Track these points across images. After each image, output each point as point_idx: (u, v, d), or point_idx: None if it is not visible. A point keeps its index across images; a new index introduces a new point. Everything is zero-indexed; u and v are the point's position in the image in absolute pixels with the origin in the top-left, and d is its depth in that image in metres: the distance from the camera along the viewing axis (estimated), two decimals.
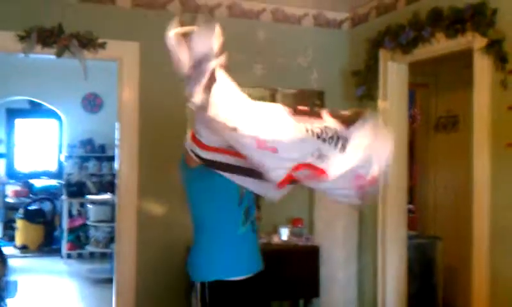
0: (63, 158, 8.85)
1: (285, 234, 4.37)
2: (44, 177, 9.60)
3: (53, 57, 3.97)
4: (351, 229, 4.46)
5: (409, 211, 5.01)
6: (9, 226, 8.84)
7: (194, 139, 2.08)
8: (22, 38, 3.85)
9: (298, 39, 4.66)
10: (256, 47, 4.52)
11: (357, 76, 4.43)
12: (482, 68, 3.31)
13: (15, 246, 8.43)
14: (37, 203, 8.76)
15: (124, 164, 4.22)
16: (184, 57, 1.81)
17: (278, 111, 1.93)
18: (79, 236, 8.03)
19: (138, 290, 4.18)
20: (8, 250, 7.70)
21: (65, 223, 7.96)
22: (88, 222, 7.78)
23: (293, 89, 4.70)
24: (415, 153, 5.63)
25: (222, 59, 1.82)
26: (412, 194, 5.48)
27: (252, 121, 1.84)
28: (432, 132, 5.60)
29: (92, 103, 8.88)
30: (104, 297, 5.47)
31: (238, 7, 4.45)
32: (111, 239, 6.87)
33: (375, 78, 4.27)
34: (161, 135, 4.16)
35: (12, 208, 8.90)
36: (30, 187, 9.13)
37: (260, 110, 1.90)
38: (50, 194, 8.96)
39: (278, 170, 1.93)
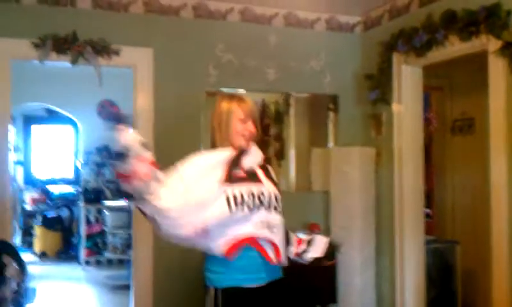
0: (79, 165, 8.91)
1: None
2: (61, 184, 9.68)
3: (68, 64, 4.01)
4: (368, 233, 4.43)
5: (427, 215, 4.96)
6: (28, 232, 8.92)
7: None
8: (37, 46, 3.89)
9: (311, 43, 4.66)
10: (268, 51, 4.52)
11: (370, 80, 4.41)
12: (497, 70, 3.28)
13: (33, 253, 8.52)
14: (55, 210, 8.84)
15: None
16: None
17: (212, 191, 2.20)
18: (97, 243, 8.07)
19: (155, 295, 4.19)
20: (26, 257, 7.77)
21: (83, 230, 8.02)
22: (106, 229, 7.80)
23: (306, 93, 4.71)
24: (431, 157, 5.58)
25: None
26: (429, 198, 5.42)
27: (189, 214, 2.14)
28: (449, 135, 5.55)
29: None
30: (122, 303, 5.49)
31: (250, 12, 4.46)
32: (128, 245, 6.90)
33: (388, 82, 4.25)
34: (175, 140, 4.16)
35: (30, 215, 8.98)
36: (47, 194, 9.19)
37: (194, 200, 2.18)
38: (68, 201, 9.02)
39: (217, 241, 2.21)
